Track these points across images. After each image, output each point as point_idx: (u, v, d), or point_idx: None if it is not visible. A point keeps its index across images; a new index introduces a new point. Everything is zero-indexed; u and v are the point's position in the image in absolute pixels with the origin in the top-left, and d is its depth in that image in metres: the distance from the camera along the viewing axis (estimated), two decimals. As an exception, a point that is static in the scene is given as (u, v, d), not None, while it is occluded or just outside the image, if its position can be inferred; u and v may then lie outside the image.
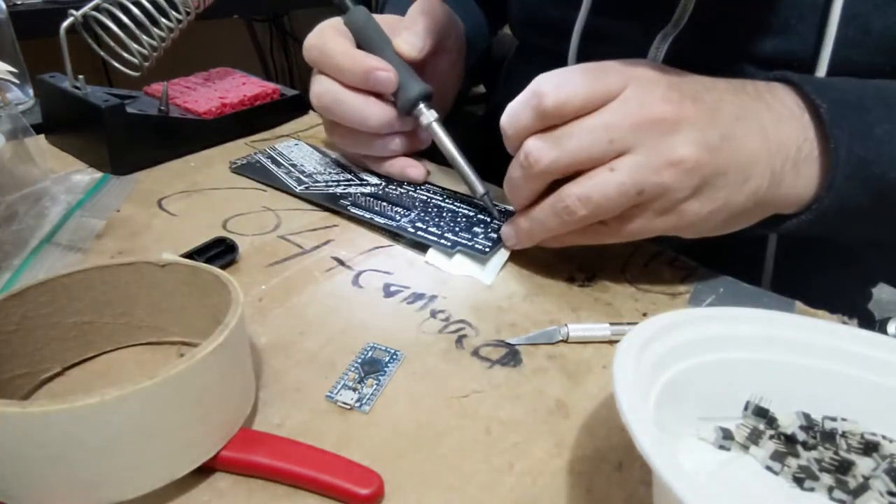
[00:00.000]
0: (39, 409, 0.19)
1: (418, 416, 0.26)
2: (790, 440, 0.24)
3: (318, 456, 0.23)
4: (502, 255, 0.38)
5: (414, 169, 0.45)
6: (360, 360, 0.29)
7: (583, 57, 0.48)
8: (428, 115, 0.41)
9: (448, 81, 0.49)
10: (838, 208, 0.32)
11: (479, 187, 0.39)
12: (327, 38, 0.42)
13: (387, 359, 0.29)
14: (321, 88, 0.42)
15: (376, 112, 0.41)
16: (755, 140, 0.30)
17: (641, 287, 0.36)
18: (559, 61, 0.50)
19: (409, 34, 0.42)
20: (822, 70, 0.37)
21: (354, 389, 0.27)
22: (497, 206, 0.41)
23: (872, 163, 0.31)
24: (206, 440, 0.23)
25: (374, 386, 0.28)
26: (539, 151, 0.30)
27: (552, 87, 0.29)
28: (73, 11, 0.45)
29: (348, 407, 0.26)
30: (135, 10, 0.46)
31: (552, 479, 0.24)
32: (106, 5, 0.45)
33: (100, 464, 0.20)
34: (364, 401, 0.27)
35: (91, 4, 0.45)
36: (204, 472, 0.23)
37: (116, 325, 0.28)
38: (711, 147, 0.29)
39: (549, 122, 0.30)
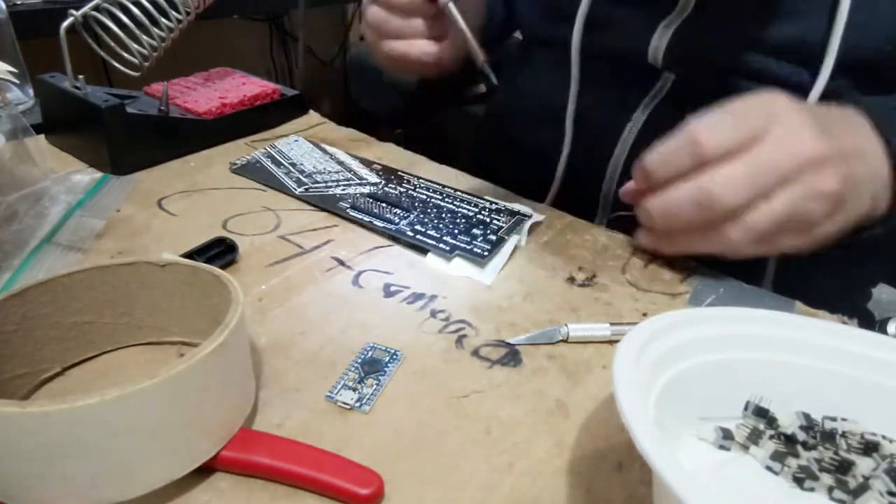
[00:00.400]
0: (39, 409, 0.19)
1: (418, 416, 0.26)
2: (790, 440, 0.24)
3: (318, 456, 0.23)
4: (502, 255, 0.38)
5: (431, 48, 0.47)
6: (360, 360, 0.29)
7: (586, 44, 0.49)
8: None
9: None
10: None
11: (481, 55, 0.43)
12: None
13: (387, 359, 0.29)
14: None
15: None
16: (863, 169, 0.34)
17: (641, 287, 0.36)
18: (563, 51, 0.50)
19: None
20: (831, 56, 0.38)
21: (354, 389, 0.27)
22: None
23: None
24: (206, 440, 0.23)
25: (374, 386, 0.28)
26: (728, 192, 0.31)
27: (707, 131, 0.32)
28: (73, 11, 0.45)
29: (348, 407, 0.26)
30: (135, 10, 0.46)
31: (552, 479, 0.24)
32: (106, 5, 0.45)
33: (100, 464, 0.20)
34: (364, 401, 0.27)
35: (91, 4, 0.45)
36: (204, 472, 0.23)
37: (116, 325, 0.28)
38: (846, 178, 0.32)
39: (704, 163, 0.32)
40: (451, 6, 0.44)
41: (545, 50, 0.55)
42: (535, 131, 0.55)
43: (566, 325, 0.31)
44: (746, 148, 0.32)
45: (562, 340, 0.31)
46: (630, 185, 0.37)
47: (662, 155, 0.34)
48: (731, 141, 0.32)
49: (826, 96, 0.39)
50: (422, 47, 0.47)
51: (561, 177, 0.53)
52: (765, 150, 0.32)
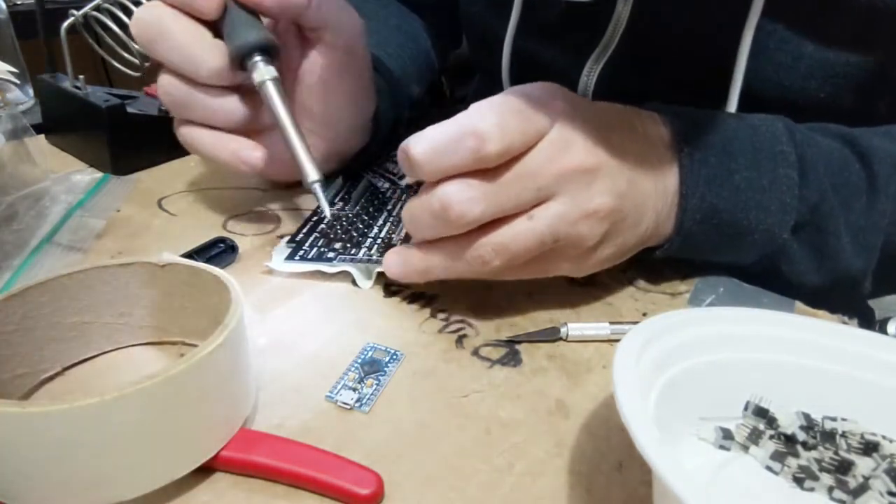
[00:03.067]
0: (39, 409, 0.19)
1: (418, 416, 0.26)
2: (790, 440, 0.24)
3: (318, 456, 0.23)
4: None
5: (250, 152, 0.35)
6: (360, 360, 0.29)
7: (514, 79, 0.48)
8: (263, 72, 0.32)
9: (334, 90, 0.38)
10: (691, 246, 0.33)
11: (313, 172, 0.32)
12: None
13: (387, 359, 0.29)
14: (144, 13, 0.33)
15: (209, 54, 0.33)
16: (649, 183, 0.31)
17: (641, 287, 0.36)
18: (495, 80, 0.49)
19: None
20: (734, 95, 0.38)
21: (354, 389, 0.27)
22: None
23: (724, 210, 0.32)
24: (206, 440, 0.23)
25: (374, 386, 0.28)
26: (465, 204, 0.27)
27: (496, 129, 0.26)
28: (74, 11, 0.45)
29: (348, 407, 0.26)
30: (135, 10, 0.45)
31: (552, 479, 0.24)
32: (106, 5, 0.45)
33: (100, 464, 0.20)
34: (364, 401, 0.27)
35: (91, 4, 0.45)
36: (204, 472, 0.23)
37: (116, 325, 0.28)
38: (621, 194, 0.29)
39: (483, 167, 0.27)
40: (270, 87, 0.32)
41: (483, 73, 0.54)
42: None
43: (566, 324, 0.31)
44: (524, 152, 0.28)
45: (560, 339, 0.31)
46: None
47: (434, 144, 0.27)
48: (517, 144, 0.27)
49: None
50: (236, 150, 0.35)
51: None
52: (528, 158, 0.28)
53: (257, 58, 0.32)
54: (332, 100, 0.38)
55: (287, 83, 0.36)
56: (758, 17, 0.36)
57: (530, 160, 0.28)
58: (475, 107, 0.27)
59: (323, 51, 0.36)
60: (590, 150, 0.29)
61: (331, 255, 0.36)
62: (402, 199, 0.42)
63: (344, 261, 0.35)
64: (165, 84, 0.35)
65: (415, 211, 0.29)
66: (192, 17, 0.33)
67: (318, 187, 0.33)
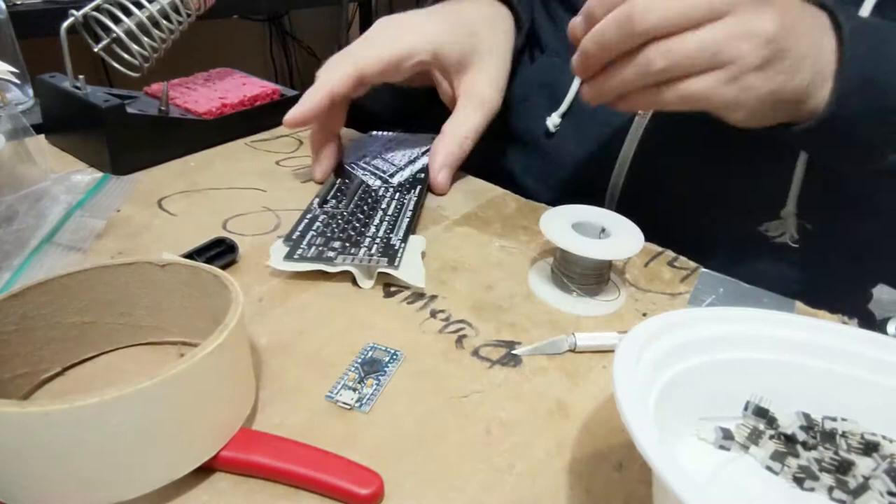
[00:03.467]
0: (39, 409, 0.19)
1: (418, 416, 0.26)
2: (790, 440, 0.24)
3: (318, 456, 0.23)
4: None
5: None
6: (360, 360, 0.29)
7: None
8: None
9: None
10: (843, 119, 0.33)
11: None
12: None
13: (387, 359, 0.29)
14: None
15: None
16: (808, 39, 0.32)
17: (641, 287, 0.36)
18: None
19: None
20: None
21: (354, 389, 0.27)
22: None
23: (880, 85, 0.33)
24: (206, 440, 0.23)
25: (374, 386, 0.28)
26: (646, 9, 0.30)
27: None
28: (74, 11, 0.45)
29: (348, 407, 0.26)
30: (136, 11, 0.46)
31: (552, 479, 0.24)
32: (106, 5, 0.45)
33: (100, 464, 0.20)
34: (364, 401, 0.27)
35: (91, 4, 0.45)
36: (204, 472, 0.23)
37: (116, 325, 0.28)
38: (787, 28, 0.31)
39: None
40: None
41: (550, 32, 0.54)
42: (535, 122, 0.54)
43: (573, 334, 0.31)
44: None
45: (569, 350, 0.31)
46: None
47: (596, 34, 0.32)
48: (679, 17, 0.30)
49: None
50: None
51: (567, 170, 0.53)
52: None
53: None
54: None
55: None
56: None
57: None
58: None
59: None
60: (770, 20, 0.30)
61: (331, 254, 0.35)
62: (395, 198, 0.42)
63: (345, 261, 0.35)
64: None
65: (599, 32, 0.32)
66: None
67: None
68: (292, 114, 0.42)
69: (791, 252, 0.44)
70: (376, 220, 0.40)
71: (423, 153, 0.50)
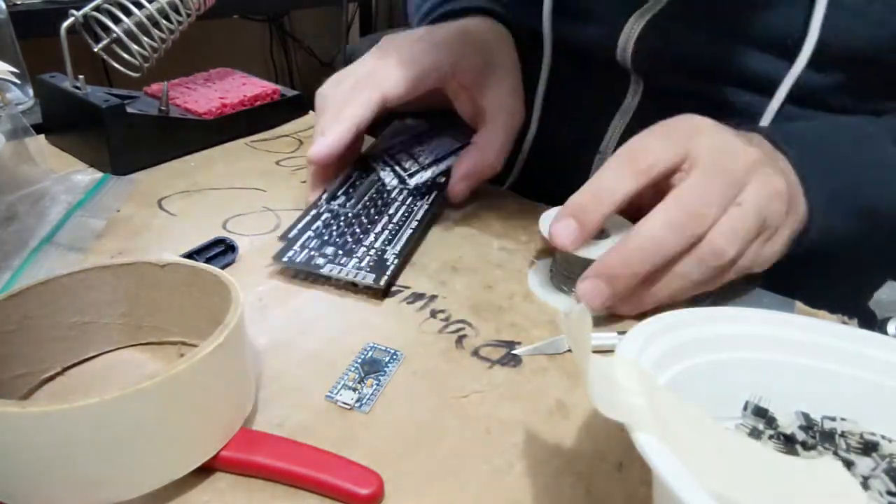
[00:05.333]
0: (39, 409, 0.19)
1: (418, 416, 0.26)
2: (790, 440, 0.24)
3: (318, 456, 0.23)
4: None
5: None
6: (360, 360, 0.29)
7: (557, 35, 0.48)
8: None
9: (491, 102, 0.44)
10: (829, 235, 0.35)
11: None
12: None
13: (387, 359, 0.29)
14: None
15: None
16: (790, 171, 0.34)
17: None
18: (535, 42, 0.49)
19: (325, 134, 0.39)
20: (808, 48, 0.37)
21: (354, 389, 0.27)
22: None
23: (845, 196, 0.35)
24: (206, 440, 0.23)
25: (374, 386, 0.28)
26: (727, 249, 0.30)
27: (641, 148, 0.31)
28: (74, 11, 0.45)
29: (348, 407, 0.26)
30: (135, 10, 0.46)
31: (552, 479, 0.24)
32: (106, 5, 0.45)
33: (100, 464, 0.20)
34: (364, 401, 0.27)
35: (91, 5, 0.45)
36: (204, 472, 0.23)
37: (116, 325, 0.28)
38: (784, 177, 0.32)
39: (647, 182, 0.31)
40: None
41: (519, 42, 0.54)
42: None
43: (574, 334, 0.31)
44: (683, 159, 0.31)
45: (569, 350, 0.31)
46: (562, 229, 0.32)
47: (596, 186, 0.31)
48: (668, 154, 0.31)
49: (798, 90, 0.39)
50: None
51: (523, 162, 0.52)
52: (708, 157, 0.31)
53: None
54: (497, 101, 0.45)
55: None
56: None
57: (715, 162, 0.31)
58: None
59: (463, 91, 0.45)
60: (746, 147, 0.31)
61: (320, 260, 0.35)
62: (406, 203, 0.41)
63: (332, 270, 0.34)
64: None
65: (654, 234, 0.30)
66: None
67: None
68: (319, 150, 0.39)
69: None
70: (378, 227, 0.38)
71: (452, 153, 0.47)
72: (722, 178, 0.30)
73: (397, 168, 0.45)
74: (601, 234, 0.35)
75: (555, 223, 0.32)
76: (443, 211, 0.44)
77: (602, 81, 0.47)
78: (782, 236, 0.33)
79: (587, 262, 0.32)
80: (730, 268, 0.32)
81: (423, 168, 0.45)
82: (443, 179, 0.44)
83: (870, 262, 0.50)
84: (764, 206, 0.31)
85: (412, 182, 0.44)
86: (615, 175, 0.31)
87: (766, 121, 0.40)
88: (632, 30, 0.42)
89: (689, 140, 0.31)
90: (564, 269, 0.35)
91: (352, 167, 0.44)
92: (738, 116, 0.40)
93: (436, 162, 0.46)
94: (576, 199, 0.32)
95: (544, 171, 0.51)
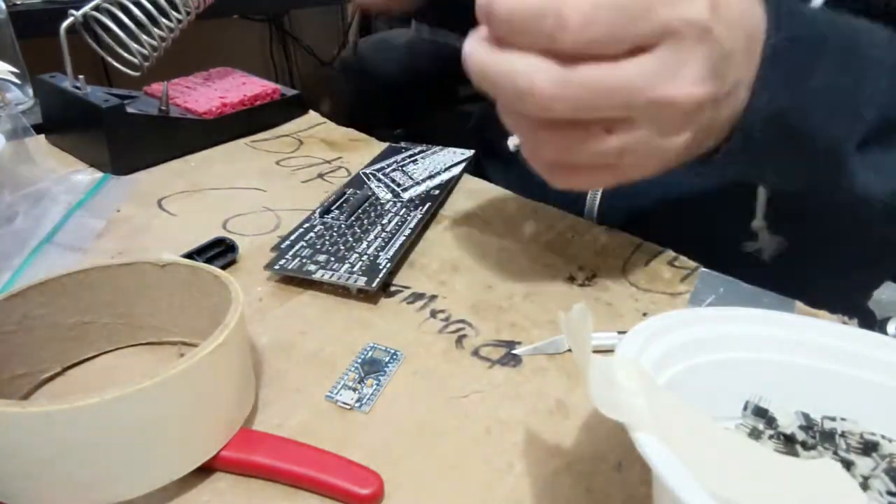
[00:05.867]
0: (39, 409, 0.19)
1: (418, 416, 0.26)
2: (789, 440, 0.24)
3: (318, 456, 0.23)
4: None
5: None
6: (360, 360, 0.29)
7: None
8: None
9: None
10: (752, 149, 0.29)
11: None
12: None
13: (387, 359, 0.29)
14: None
15: None
16: (740, 98, 0.28)
17: (641, 287, 0.36)
18: None
19: None
20: None
21: (354, 389, 0.27)
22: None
23: (790, 111, 0.28)
24: (206, 440, 0.23)
25: (374, 386, 0.28)
26: (545, 99, 0.24)
27: (580, 19, 0.23)
28: (73, 11, 0.45)
29: (348, 407, 0.26)
30: (135, 10, 0.46)
31: (552, 479, 0.24)
32: (106, 5, 0.45)
33: (100, 464, 0.20)
34: (364, 401, 0.27)
35: (91, 4, 0.45)
36: (204, 472, 0.23)
37: (116, 325, 0.28)
38: (704, 129, 0.27)
39: (556, 53, 0.24)
40: None
41: None
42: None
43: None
44: (614, 53, 0.24)
45: (569, 350, 0.31)
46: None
47: (512, 9, 0.24)
48: (599, 45, 0.24)
49: None
50: None
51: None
52: (626, 71, 0.24)
53: None
54: None
55: None
56: None
57: (630, 74, 0.24)
58: None
59: None
60: (695, 85, 0.25)
61: (312, 267, 0.35)
62: (400, 213, 0.41)
63: (324, 275, 0.34)
64: None
65: (497, 78, 0.26)
66: None
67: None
68: None
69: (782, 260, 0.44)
70: (371, 236, 0.38)
71: (446, 169, 0.48)
72: (612, 96, 0.25)
73: (392, 185, 0.46)
74: None
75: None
76: (442, 212, 0.44)
77: None
78: (674, 142, 0.27)
79: None
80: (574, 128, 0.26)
81: (417, 183, 0.46)
82: (437, 192, 0.44)
83: (869, 261, 0.50)
84: (640, 150, 0.26)
85: (406, 195, 0.44)
86: (529, 31, 0.24)
87: None
88: None
89: (645, 35, 0.24)
90: None
91: (345, 185, 0.45)
92: None
93: (430, 177, 0.47)
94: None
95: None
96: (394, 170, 0.48)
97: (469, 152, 0.51)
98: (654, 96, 0.25)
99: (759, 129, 0.29)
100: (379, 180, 0.46)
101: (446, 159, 0.50)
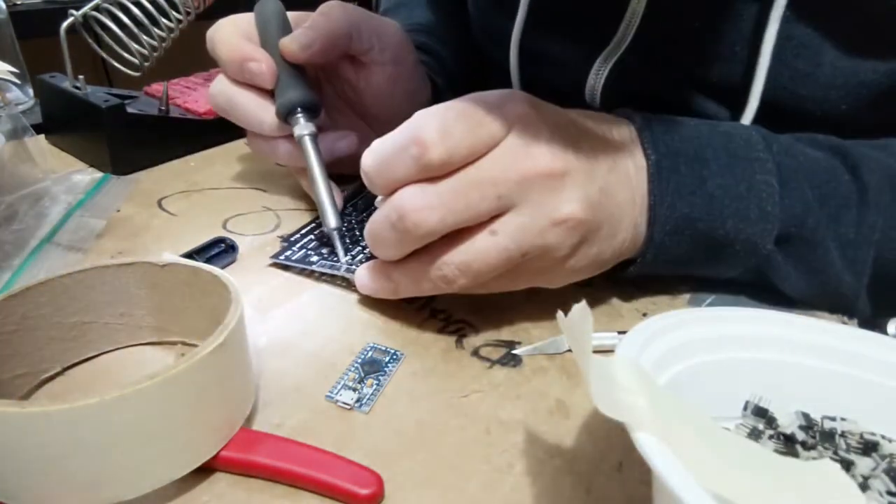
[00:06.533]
0: (39, 409, 0.19)
1: (418, 416, 0.26)
2: (789, 440, 0.24)
3: (318, 456, 0.23)
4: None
5: (342, 141, 0.40)
6: (360, 360, 0.29)
7: (525, 75, 0.47)
8: (302, 127, 0.36)
9: (393, 96, 0.43)
10: (667, 260, 0.32)
11: (332, 220, 0.35)
12: (220, 28, 0.39)
13: (387, 359, 0.29)
14: (216, 88, 0.39)
15: (268, 116, 0.38)
16: (625, 192, 0.30)
17: (641, 287, 0.36)
18: (506, 79, 0.48)
19: (296, 33, 0.37)
20: (754, 102, 0.36)
21: (354, 389, 0.27)
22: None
23: (698, 220, 0.30)
24: (206, 440, 0.23)
25: (374, 386, 0.28)
26: (420, 213, 0.26)
27: (437, 135, 0.26)
28: (73, 11, 0.45)
29: (348, 407, 0.26)
30: (135, 10, 0.46)
31: (552, 479, 0.24)
32: (106, 5, 0.45)
33: (100, 464, 0.20)
34: (364, 401, 0.27)
35: (91, 4, 0.45)
36: (204, 472, 0.23)
37: (116, 325, 0.28)
38: (592, 203, 0.28)
39: (430, 175, 0.26)
40: (305, 141, 0.36)
41: (495, 70, 0.52)
42: None
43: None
44: (476, 159, 0.27)
45: (569, 350, 0.31)
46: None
47: (380, 155, 0.27)
48: (463, 150, 0.26)
49: None
50: (331, 143, 0.40)
51: None
52: (484, 164, 0.26)
53: (298, 114, 0.37)
54: (392, 103, 0.43)
55: (351, 98, 0.43)
56: (779, 21, 0.34)
57: (488, 166, 0.26)
58: (419, 113, 0.27)
59: (375, 68, 0.41)
60: (556, 155, 0.27)
61: (314, 258, 0.35)
62: None
63: (323, 266, 0.34)
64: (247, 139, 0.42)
65: (375, 226, 0.29)
66: (253, 87, 0.38)
67: (336, 235, 0.35)
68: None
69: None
70: None
71: None
72: (475, 186, 0.26)
73: None
74: None
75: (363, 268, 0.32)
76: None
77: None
78: (570, 266, 0.30)
79: None
80: (485, 284, 0.29)
81: None
82: None
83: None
84: (526, 241, 0.27)
85: None
86: (397, 161, 0.27)
87: None
88: (598, 74, 0.41)
89: (498, 132, 0.27)
90: None
91: (362, 185, 0.45)
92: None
93: None
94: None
95: None
96: None
97: None
98: (517, 175, 0.26)
99: (669, 241, 0.31)
100: None
101: None
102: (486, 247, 0.27)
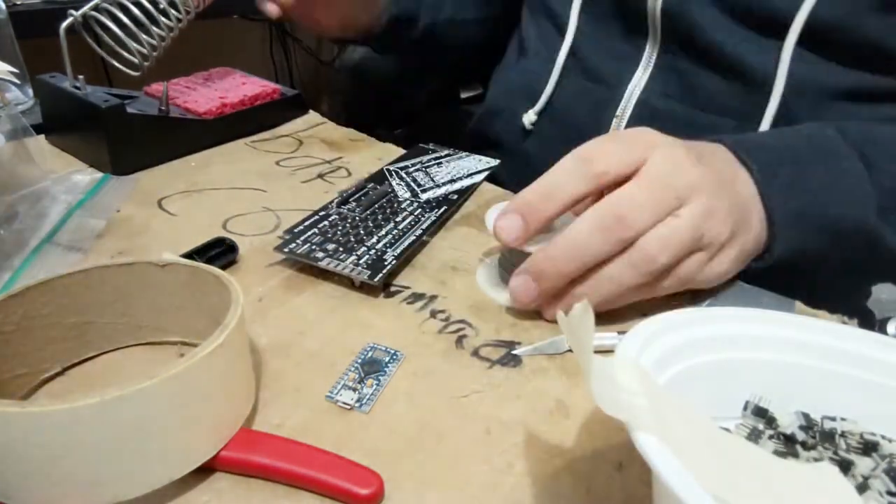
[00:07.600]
0: (39, 409, 0.19)
1: (418, 416, 0.26)
2: (789, 440, 0.24)
3: (318, 456, 0.23)
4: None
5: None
6: (360, 360, 0.29)
7: (581, 21, 0.52)
8: None
9: None
10: (796, 251, 0.35)
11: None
12: None
13: (387, 359, 0.29)
14: None
15: None
16: (745, 189, 0.34)
17: (641, 287, 0.36)
18: (559, 31, 0.52)
19: None
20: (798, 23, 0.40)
21: (354, 389, 0.27)
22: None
23: (809, 214, 0.35)
24: (206, 440, 0.23)
25: (374, 386, 0.28)
26: (635, 211, 0.30)
27: (598, 153, 0.31)
28: (73, 11, 0.45)
29: (348, 407, 0.26)
30: (135, 10, 0.46)
31: (552, 479, 0.24)
32: (106, 5, 0.45)
33: (100, 464, 0.20)
34: (364, 401, 0.27)
35: (91, 4, 0.45)
36: (204, 472, 0.23)
37: (116, 325, 0.28)
38: (731, 197, 0.32)
39: (598, 186, 0.31)
40: None
41: (546, 21, 0.55)
42: (512, 123, 0.57)
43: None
44: (635, 170, 0.31)
45: (569, 350, 0.31)
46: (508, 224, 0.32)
47: (547, 183, 0.31)
48: (621, 164, 0.30)
49: (809, 28, 0.41)
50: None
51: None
52: (653, 169, 0.30)
53: None
54: None
55: None
56: (792, 47, 0.40)
57: (659, 175, 0.30)
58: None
59: None
60: (696, 166, 0.31)
61: (320, 254, 0.35)
62: (415, 213, 0.41)
63: (329, 264, 0.34)
64: None
65: (580, 234, 0.30)
66: None
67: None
68: None
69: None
70: (383, 232, 0.38)
71: (468, 175, 0.48)
72: (660, 190, 0.30)
73: (412, 184, 0.46)
74: (549, 231, 0.34)
75: (500, 218, 0.32)
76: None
77: (625, 38, 0.50)
78: (728, 255, 0.33)
79: (523, 255, 0.32)
80: (664, 277, 0.32)
81: (438, 186, 0.46)
82: (455, 197, 0.44)
83: (872, 265, 0.50)
84: (700, 224, 0.31)
85: (424, 196, 0.44)
86: (567, 175, 0.31)
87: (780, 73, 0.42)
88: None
89: (644, 152, 0.31)
90: (509, 265, 0.35)
91: (367, 179, 0.45)
92: (749, 74, 0.43)
93: (451, 181, 0.47)
94: (524, 195, 0.31)
95: (556, 129, 0.54)
96: (417, 170, 0.48)
97: (493, 161, 0.51)
98: (684, 179, 0.31)
99: (793, 234, 0.35)
100: (401, 178, 0.46)
101: (470, 165, 0.50)
102: (676, 226, 0.30)
